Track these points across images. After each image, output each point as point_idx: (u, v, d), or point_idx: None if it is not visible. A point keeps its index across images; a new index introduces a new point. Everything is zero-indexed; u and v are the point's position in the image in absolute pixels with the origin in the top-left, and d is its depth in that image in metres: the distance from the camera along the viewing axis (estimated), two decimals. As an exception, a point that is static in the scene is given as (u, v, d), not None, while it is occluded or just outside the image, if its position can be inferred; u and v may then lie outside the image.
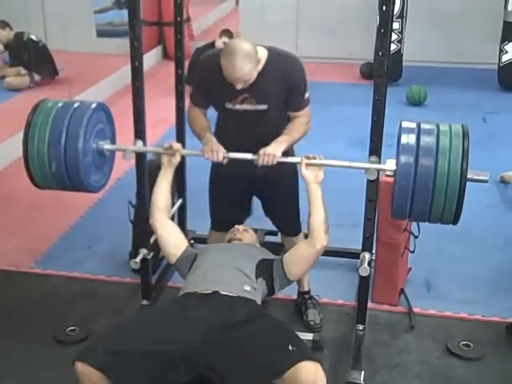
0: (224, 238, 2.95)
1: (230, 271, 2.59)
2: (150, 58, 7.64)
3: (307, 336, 2.92)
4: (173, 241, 2.74)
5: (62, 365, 2.81)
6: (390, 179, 2.67)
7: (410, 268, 3.48)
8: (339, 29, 7.86)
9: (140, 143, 2.94)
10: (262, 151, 2.69)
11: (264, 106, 2.80)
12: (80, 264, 3.68)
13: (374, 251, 3.02)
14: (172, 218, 3.53)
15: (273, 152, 2.69)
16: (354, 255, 3.15)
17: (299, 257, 2.66)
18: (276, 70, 2.76)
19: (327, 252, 3.40)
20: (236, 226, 2.92)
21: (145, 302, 3.16)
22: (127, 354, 2.23)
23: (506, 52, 6.86)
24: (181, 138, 3.48)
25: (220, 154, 2.73)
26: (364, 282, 2.89)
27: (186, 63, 3.50)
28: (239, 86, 2.68)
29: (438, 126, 2.52)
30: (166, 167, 2.80)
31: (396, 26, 6.60)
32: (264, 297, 2.63)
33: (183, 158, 3.54)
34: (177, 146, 2.81)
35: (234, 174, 2.92)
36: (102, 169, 2.88)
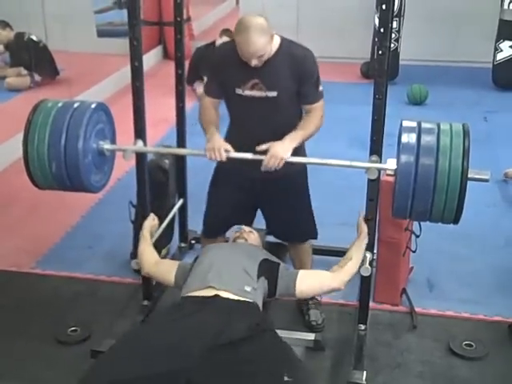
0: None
1: (231, 268, 2.58)
2: (150, 58, 7.63)
3: (309, 336, 2.92)
4: (164, 279, 2.80)
5: (63, 365, 2.83)
6: (391, 178, 2.67)
7: (412, 267, 3.47)
8: (339, 28, 7.86)
9: (140, 143, 2.93)
10: (271, 150, 2.65)
11: (274, 93, 2.77)
12: (81, 264, 3.68)
13: (375, 251, 3.02)
14: (173, 219, 3.56)
15: (281, 155, 2.66)
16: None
17: (317, 284, 2.66)
18: (287, 57, 2.75)
19: (329, 251, 3.42)
20: (242, 227, 2.91)
21: (146, 303, 3.16)
22: (129, 381, 2.17)
23: (501, 50, 6.85)
24: (181, 138, 3.48)
25: (222, 152, 2.70)
26: (366, 281, 2.89)
27: (187, 63, 3.50)
28: (254, 62, 2.66)
29: (438, 125, 2.51)
30: (146, 237, 2.91)
31: (393, 24, 6.60)
32: (265, 298, 2.61)
33: (184, 158, 3.55)
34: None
35: (238, 173, 2.90)
36: (103, 169, 2.87)
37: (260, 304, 2.54)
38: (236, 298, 2.46)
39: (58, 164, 2.66)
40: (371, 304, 3.07)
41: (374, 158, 2.65)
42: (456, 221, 2.50)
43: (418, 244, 3.25)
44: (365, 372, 2.70)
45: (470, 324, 3.17)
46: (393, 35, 6.64)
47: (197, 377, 2.15)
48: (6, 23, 6.78)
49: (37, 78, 6.74)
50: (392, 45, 6.72)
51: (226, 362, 2.20)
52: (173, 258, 3.41)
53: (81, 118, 2.68)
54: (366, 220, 2.74)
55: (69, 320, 3.14)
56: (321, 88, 2.84)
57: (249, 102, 2.80)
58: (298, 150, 2.81)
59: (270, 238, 3.35)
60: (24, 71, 6.74)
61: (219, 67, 2.86)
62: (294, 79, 2.77)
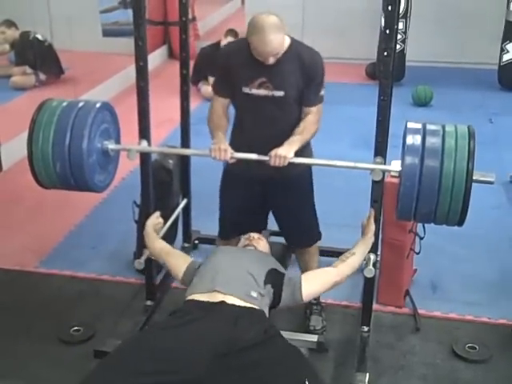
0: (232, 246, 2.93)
1: (238, 273, 2.53)
2: (155, 58, 7.63)
3: (312, 338, 2.91)
4: (173, 271, 2.74)
5: (66, 364, 2.83)
6: (396, 180, 2.66)
7: (416, 269, 3.46)
8: (344, 29, 7.85)
9: (145, 143, 2.93)
10: (273, 152, 2.66)
11: (281, 93, 2.76)
12: (84, 264, 3.68)
13: (379, 252, 3.01)
14: (176, 219, 3.55)
15: (284, 154, 2.66)
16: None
17: (321, 283, 2.64)
18: (296, 58, 2.75)
19: (332, 253, 3.41)
20: (251, 234, 2.87)
21: (149, 303, 3.16)
22: None
23: (507, 52, 6.84)
24: (185, 138, 3.48)
25: (227, 153, 2.70)
26: (369, 283, 2.88)
27: (191, 63, 3.50)
28: (271, 60, 2.67)
29: (443, 127, 2.51)
30: (150, 233, 2.88)
31: (400, 25, 6.58)
32: (270, 307, 2.55)
33: (188, 158, 3.55)
34: None
35: (246, 176, 2.89)
36: (107, 168, 2.87)
37: (266, 311, 2.49)
38: (242, 304, 2.41)
39: (63, 163, 2.66)
40: (374, 306, 3.06)
41: (379, 159, 2.64)
42: (461, 223, 2.49)
43: (422, 246, 3.24)
44: (367, 374, 2.69)
45: (473, 326, 3.16)
46: (399, 36, 6.64)
47: (207, 383, 2.11)
48: (11, 22, 6.79)
49: (42, 77, 6.74)
50: (398, 46, 6.71)
51: (240, 368, 2.16)
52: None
53: (85, 117, 2.68)
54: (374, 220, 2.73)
55: (72, 320, 3.14)
56: (322, 92, 2.83)
57: (255, 101, 2.79)
58: (305, 152, 2.81)
59: (274, 239, 3.35)
60: (29, 70, 6.74)
61: (226, 66, 2.85)
62: (301, 80, 2.76)
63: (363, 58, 7.46)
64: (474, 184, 2.40)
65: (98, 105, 2.76)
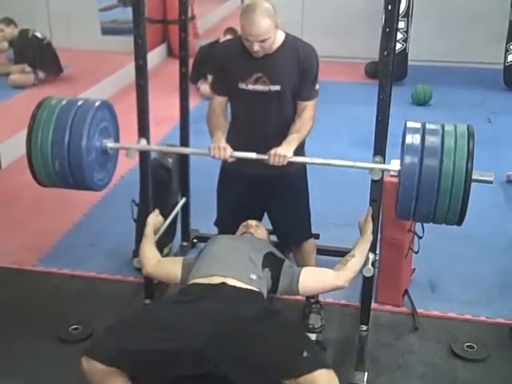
0: None
1: (237, 257, 2.60)
2: (155, 56, 7.63)
3: (311, 336, 2.90)
4: (169, 276, 2.77)
5: (65, 363, 2.82)
6: (395, 179, 2.66)
7: (414, 269, 3.46)
8: (344, 28, 7.85)
9: (144, 141, 2.93)
10: (272, 151, 2.66)
11: (277, 87, 2.77)
12: (83, 262, 3.67)
13: (377, 251, 3.01)
14: (175, 217, 3.55)
15: (284, 153, 2.66)
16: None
17: (320, 281, 2.66)
18: (292, 52, 2.76)
19: (331, 252, 3.41)
20: (249, 221, 2.91)
21: (148, 301, 3.16)
22: (138, 352, 2.24)
23: (512, 52, 6.85)
24: (184, 137, 3.48)
25: (227, 151, 2.71)
26: (368, 282, 2.88)
27: (191, 61, 3.50)
28: (256, 48, 2.66)
29: (443, 126, 2.51)
30: (150, 235, 2.89)
31: (401, 25, 6.57)
32: (268, 291, 2.61)
33: (187, 156, 3.55)
34: None
35: (243, 173, 2.89)
36: (106, 167, 2.87)
37: (265, 294, 2.56)
38: (243, 286, 2.48)
39: (62, 162, 2.66)
40: (373, 305, 3.06)
41: (378, 158, 2.64)
42: (460, 222, 2.49)
43: (421, 245, 3.25)
44: (366, 373, 2.70)
45: (472, 326, 3.16)
46: (401, 36, 6.64)
47: (211, 353, 2.20)
48: (10, 20, 6.78)
49: (41, 75, 6.74)
50: (400, 45, 6.71)
51: (239, 340, 2.24)
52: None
53: (84, 116, 2.68)
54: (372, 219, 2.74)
55: (70, 318, 3.14)
56: (317, 86, 2.83)
57: (251, 97, 2.80)
58: (297, 150, 2.81)
59: (273, 238, 3.35)
60: (28, 68, 6.73)
61: (222, 63, 2.86)
62: (296, 73, 2.77)
63: (363, 57, 7.46)
64: (472, 183, 2.40)
65: (97, 103, 2.76)
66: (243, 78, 2.78)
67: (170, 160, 3.60)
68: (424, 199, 2.43)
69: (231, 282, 2.48)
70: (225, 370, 2.21)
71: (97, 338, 2.31)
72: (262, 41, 2.65)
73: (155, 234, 2.97)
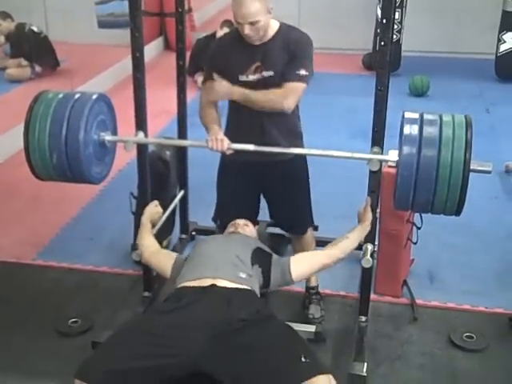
0: None
1: (225, 257, 2.58)
2: (152, 49, 7.61)
3: (310, 328, 2.91)
4: (161, 270, 2.78)
5: (64, 356, 2.83)
6: (393, 170, 2.66)
7: (413, 259, 3.47)
8: (341, 19, 7.84)
9: (141, 134, 2.93)
10: None
11: (270, 73, 2.77)
12: (82, 256, 3.68)
13: (376, 242, 3.02)
14: (174, 210, 3.55)
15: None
16: (357, 246, 3.14)
17: (311, 264, 2.67)
18: (284, 39, 2.77)
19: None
20: (237, 220, 2.89)
21: (146, 294, 3.17)
22: (128, 372, 2.18)
23: (504, 42, 6.83)
24: (182, 129, 3.47)
25: (225, 143, 2.70)
26: (366, 273, 2.88)
27: (188, 54, 3.49)
28: (247, 30, 2.66)
29: (440, 117, 2.50)
30: (146, 224, 2.90)
31: (396, 15, 6.55)
32: (260, 287, 2.59)
33: (185, 149, 3.55)
34: None
35: (242, 161, 2.87)
36: (104, 160, 2.87)
37: (257, 291, 2.54)
38: (233, 285, 2.46)
39: (59, 155, 2.65)
40: (372, 296, 3.06)
41: (376, 149, 2.64)
42: (458, 212, 2.49)
43: (420, 236, 3.25)
44: (365, 364, 2.70)
45: (470, 316, 3.16)
46: (395, 26, 6.61)
47: (206, 364, 2.18)
48: (6, 14, 6.76)
49: (37, 69, 6.73)
50: (394, 36, 6.68)
51: (236, 349, 2.21)
52: (174, 250, 3.41)
53: (82, 109, 2.67)
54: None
55: (70, 311, 3.14)
56: (302, 72, 2.73)
57: (252, 88, 2.77)
58: (296, 141, 2.80)
59: (271, 230, 3.35)
60: (24, 62, 6.72)
61: (219, 57, 2.84)
62: (286, 58, 2.76)
63: (360, 49, 7.45)
64: (471, 174, 2.39)
65: (94, 96, 2.75)
66: (242, 70, 2.78)
67: (167, 153, 3.59)
68: (422, 189, 2.42)
69: (221, 282, 2.45)
70: (223, 380, 2.19)
71: (87, 358, 2.23)
72: (252, 23, 2.65)
73: (154, 226, 2.96)
